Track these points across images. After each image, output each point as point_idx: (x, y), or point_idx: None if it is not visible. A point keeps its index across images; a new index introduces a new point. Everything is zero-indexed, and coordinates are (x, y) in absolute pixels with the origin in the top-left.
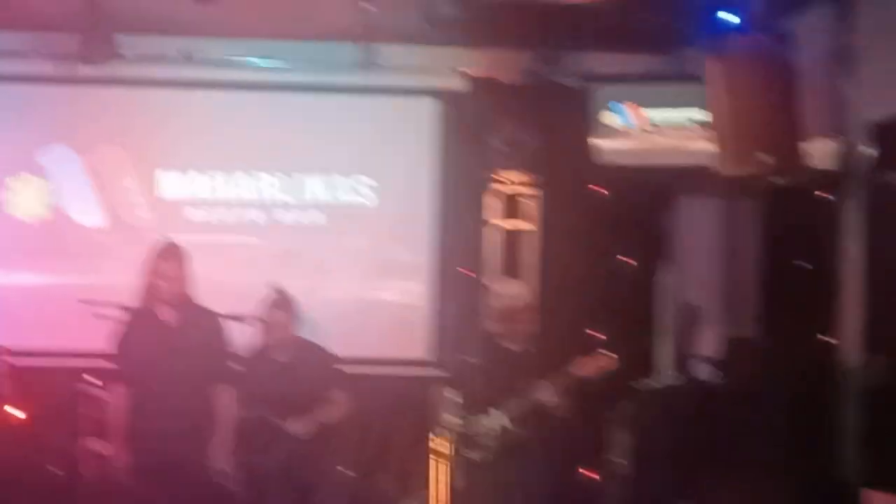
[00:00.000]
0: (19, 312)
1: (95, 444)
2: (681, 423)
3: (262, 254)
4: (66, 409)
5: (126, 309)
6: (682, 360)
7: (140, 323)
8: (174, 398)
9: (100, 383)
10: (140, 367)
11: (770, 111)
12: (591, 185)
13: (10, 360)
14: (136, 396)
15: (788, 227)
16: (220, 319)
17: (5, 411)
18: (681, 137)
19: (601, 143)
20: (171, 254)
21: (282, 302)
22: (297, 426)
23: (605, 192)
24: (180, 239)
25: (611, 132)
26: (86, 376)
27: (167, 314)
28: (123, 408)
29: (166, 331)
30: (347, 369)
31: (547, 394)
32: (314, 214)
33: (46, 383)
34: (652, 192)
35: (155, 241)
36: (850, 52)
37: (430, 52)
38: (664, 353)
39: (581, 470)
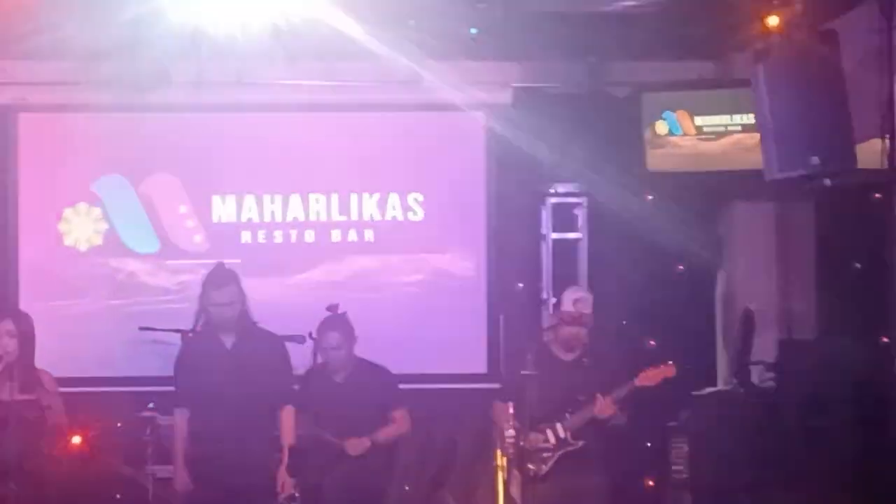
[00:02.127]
0: (78, 341)
1: (158, 470)
2: (740, 430)
3: (317, 274)
4: (127, 436)
5: (184, 334)
6: (741, 366)
7: (198, 348)
8: (234, 421)
9: (160, 409)
10: (199, 391)
11: (819, 113)
12: (642, 194)
13: (70, 389)
14: (197, 421)
15: (841, 228)
16: (278, 341)
17: (67, 440)
18: (731, 143)
19: (651, 152)
20: (226, 278)
21: (337, 322)
22: (357, 445)
23: (657, 200)
24: (235, 263)
25: (661, 140)
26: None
27: (225, 338)
28: (184, 433)
29: (224, 354)
30: (405, 386)
31: (605, 404)
32: (367, 232)
33: (107, 411)
34: (704, 198)
35: (210, 266)
36: None
37: (477, 67)
38: (722, 360)
39: (641, 480)
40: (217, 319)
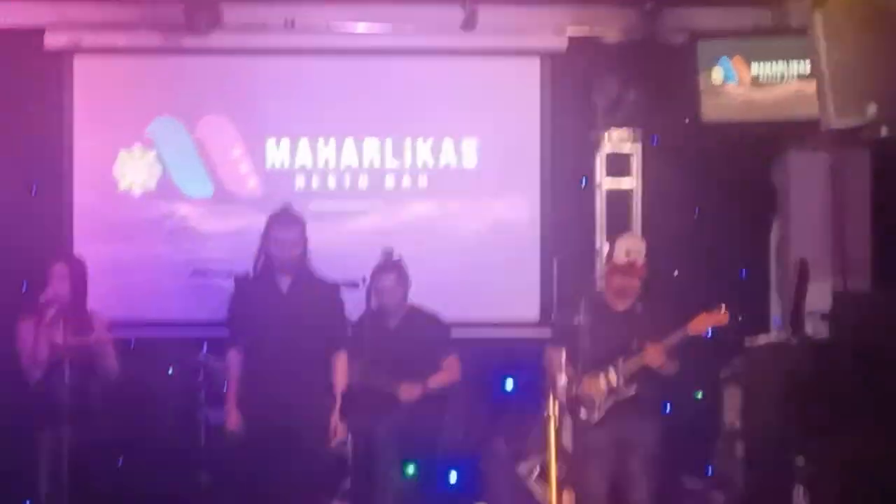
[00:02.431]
0: (132, 285)
1: (211, 414)
2: (793, 380)
3: (371, 219)
4: (180, 379)
5: (238, 278)
6: (795, 316)
7: (253, 291)
8: (287, 365)
9: (214, 353)
10: (253, 334)
11: (876, 61)
12: (697, 142)
13: (124, 333)
14: (250, 363)
15: None
16: (332, 287)
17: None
18: (787, 91)
19: (706, 100)
20: (294, 218)
21: (391, 267)
22: (410, 391)
23: (712, 149)
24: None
25: (716, 88)
26: (200, 347)
27: (280, 281)
28: (237, 375)
29: (279, 298)
30: (457, 333)
31: (656, 353)
32: (421, 178)
33: (160, 355)
34: (759, 147)
35: (266, 209)
36: None
37: (532, 13)
38: (776, 310)
39: (693, 428)
40: (277, 259)
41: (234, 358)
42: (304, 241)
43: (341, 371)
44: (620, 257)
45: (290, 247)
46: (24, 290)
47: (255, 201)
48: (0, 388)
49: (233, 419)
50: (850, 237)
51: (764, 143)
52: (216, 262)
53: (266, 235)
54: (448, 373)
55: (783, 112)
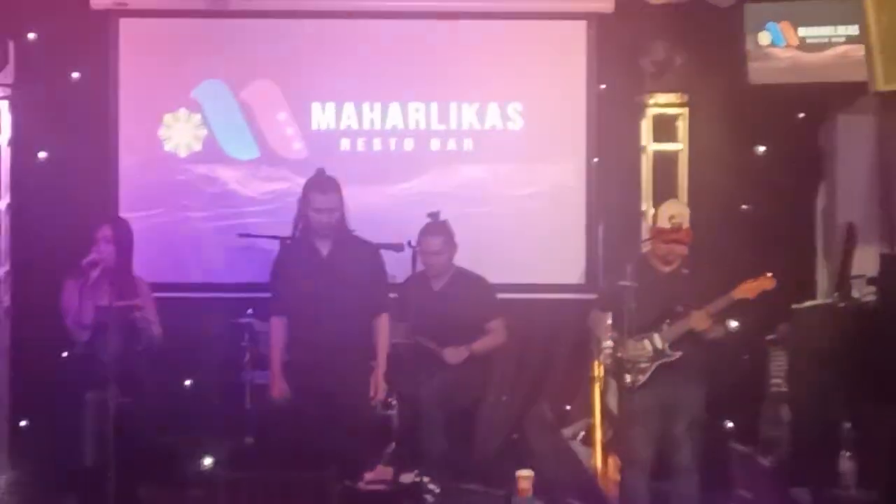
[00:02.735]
0: (177, 247)
1: (255, 376)
2: (840, 344)
3: (415, 182)
4: (225, 342)
5: (282, 241)
6: (842, 279)
7: (295, 254)
8: (330, 328)
9: (258, 316)
10: (296, 298)
11: None
12: (743, 106)
13: (169, 294)
14: (294, 328)
15: None
16: (374, 249)
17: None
18: (835, 55)
19: (753, 63)
20: (329, 184)
21: (439, 227)
22: (455, 354)
23: (759, 113)
24: (334, 170)
25: (763, 51)
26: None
27: (321, 245)
28: (281, 340)
29: (320, 262)
30: (502, 296)
31: (702, 317)
32: (466, 141)
33: (205, 317)
34: (806, 110)
35: (311, 172)
36: None
37: None
38: (823, 274)
39: (738, 392)
40: (316, 225)
41: (276, 325)
42: (341, 205)
43: (384, 334)
44: (664, 223)
45: (328, 212)
46: (70, 253)
47: (300, 164)
48: (47, 351)
49: (278, 387)
50: None
51: (811, 106)
52: (261, 224)
53: (304, 201)
54: (494, 336)
55: (830, 76)
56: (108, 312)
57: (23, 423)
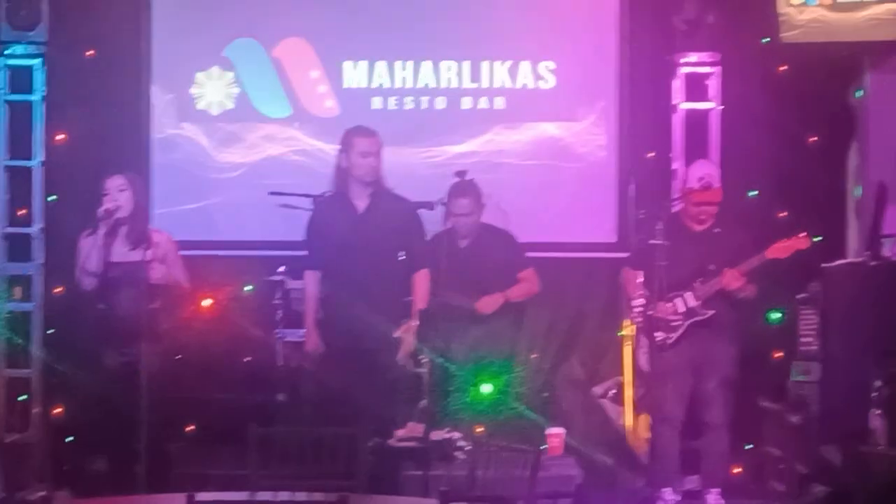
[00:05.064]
0: (209, 205)
1: (287, 334)
2: (871, 302)
3: (447, 140)
4: (257, 299)
5: (316, 198)
6: (873, 238)
7: (331, 211)
8: (365, 284)
9: (291, 273)
10: (331, 254)
11: None
12: (775, 64)
13: (201, 252)
14: (328, 284)
15: None
16: (410, 206)
17: (194, 303)
18: (867, 14)
19: (785, 21)
20: (369, 131)
21: (467, 187)
22: (489, 303)
23: (791, 71)
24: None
25: (795, 9)
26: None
27: (358, 202)
28: (315, 295)
29: (357, 218)
30: (533, 254)
31: (734, 276)
32: (497, 100)
33: (237, 274)
34: (837, 69)
35: (342, 131)
36: None
37: None
38: (853, 233)
39: (770, 351)
40: (359, 171)
41: (310, 278)
42: (380, 160)
43: (422, 289)
44: (693, 184)
45: (374, 156)
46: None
47: (332, 122)
48: (80, 308)
49: (312, 341)
50: None
51: (843, 65)
52: (292, 182)
53: (346, 150)
54: (527, 284)
55: (863, 34)
56: (121, 268)
57: (55, 380)
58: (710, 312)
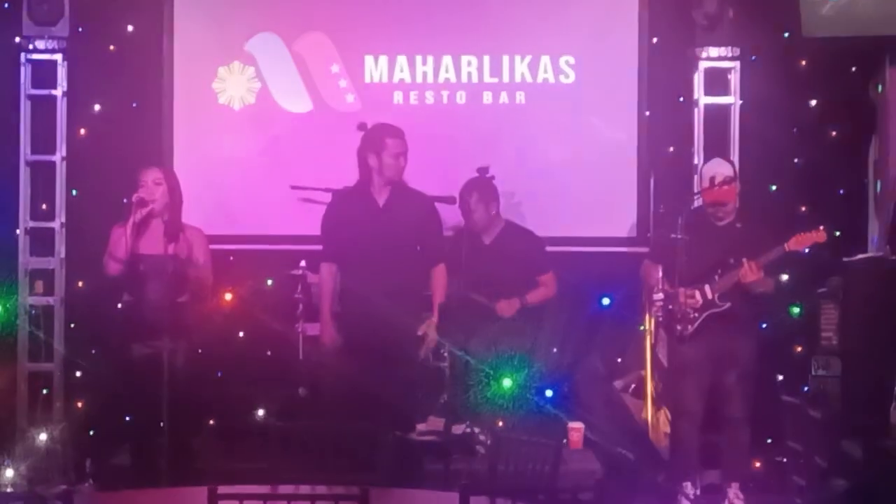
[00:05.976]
0: (231, 200)
1: (308, 328)
2: (892, 296)
3: (467, 135)
4: (278, 293)
5: (335, 191)
6: (893, 232)
7: (350, 204)
8: (383, 278)
9: (311, 267)
10: (349, 247)
11: None
12: (796, 58)
13: (222, 246)
14: (346, 277)
15: None
16: (428, 201)
17: (218, 297)
18: (888, 7)
19: (807, 15)
20: (397, 130)
21: (479, 184)
22: (508, 307)
23: (811, 65)
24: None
25: (816, 3)
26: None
27: (378, 196)
28: (331, 288)
29: (377, 211)
30: (554, 249)
31: (752, 269)
32: (518, 94)
33: (258, 268)
34: (859, 63)
35: (375, 127)
36: None
37: None
38: (874, 227)
39: (789, 344)
40: (389, 171)
41: (326, 271)
42: (403, 157)
43: (441, 284)
44: (706, 185)
45: (404, 156)
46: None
47: (353, 116)
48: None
49: (327, 333)
50: None
51: (864, 59)
52: (314, 177)
53: (375, 149)
54: (545, 288)
55: (884, 28)
56: (153, 261)
57: (78, 374)
58: (727, 305)
